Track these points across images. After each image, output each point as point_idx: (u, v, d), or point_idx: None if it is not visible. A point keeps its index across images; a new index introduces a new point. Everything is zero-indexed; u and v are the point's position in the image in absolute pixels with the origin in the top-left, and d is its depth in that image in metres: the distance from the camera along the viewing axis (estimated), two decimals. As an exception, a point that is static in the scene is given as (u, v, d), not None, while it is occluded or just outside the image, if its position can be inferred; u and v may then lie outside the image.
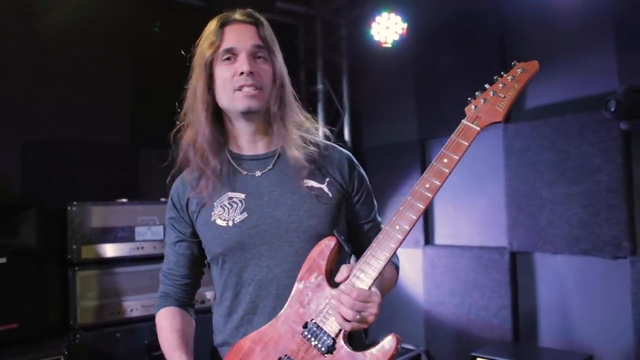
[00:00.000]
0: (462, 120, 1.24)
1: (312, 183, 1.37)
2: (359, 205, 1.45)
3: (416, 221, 1.20)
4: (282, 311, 1.28)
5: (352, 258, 1.26)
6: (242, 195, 1.37)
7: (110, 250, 3.32)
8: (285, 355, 1.22)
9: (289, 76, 1.44)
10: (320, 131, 1.51)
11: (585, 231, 3.12)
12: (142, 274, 3.41)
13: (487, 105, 1.24)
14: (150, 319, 3.41)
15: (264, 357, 1.25)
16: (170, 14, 4.08)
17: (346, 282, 1.20)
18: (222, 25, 1.36)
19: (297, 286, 1.28)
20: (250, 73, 1.31)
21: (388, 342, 1.16)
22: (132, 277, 3.37)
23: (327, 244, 1.28)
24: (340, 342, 1.19)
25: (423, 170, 4.20)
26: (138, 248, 3.40)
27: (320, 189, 1.38)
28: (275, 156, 1.41)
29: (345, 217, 1.43)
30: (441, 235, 4.05)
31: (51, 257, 3.27)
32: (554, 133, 3.32)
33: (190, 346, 1.40)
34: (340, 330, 1.19)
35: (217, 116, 1.41)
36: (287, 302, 1.28)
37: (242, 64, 1.32)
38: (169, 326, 1.42)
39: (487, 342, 3.37)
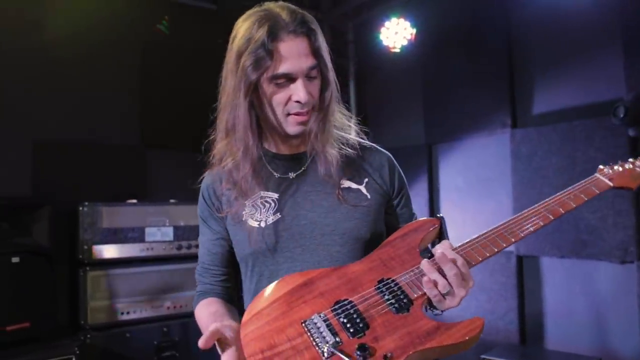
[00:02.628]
0: (595, 174, 1.40)
1: (349, 184, 1.33)
2: (400, 208, 1.41)
3: (530, 234, 1.27)
4: (355, 264, 1.22)
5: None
6: (275, 195, 1.31)
7: (120, 250, 3.34)
8: (347, 299, 1.14)
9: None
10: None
11: (593, 236, 3.15)
12: (152, 274, 3.43)
13: (623, 172, 1.41)
14: (160, 319, 3.45)
15: (323, 294, 1.15)
16: (179, 16, 4.11)
17: (448, 254, 1.15)
18: (274, 39, 1.20)
19: (383, 246, 1.25)
20: (307, 100, 1.24)
21: (471, 322, 1.10)
22: (142, 278, 3.39)
23: (429, 223, 1.26)
24: (418, 306, 1.13)
25: (430, 174, 4.27)
26: (148, 249, 3.42)
27: (358, 190, 1.33)
28: (311, 156, 1.34)
29: (385, 220, 1.38)
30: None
31: (62, 257, 3.29)
32: (561, 139, 3.36)
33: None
34: (421, 296, 1.14)
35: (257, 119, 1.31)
36: (366, 257, 1.23)
37: (299, 91, 1.23)
38: (205, 312, 1.30)
39: (494, 345, 3.40)
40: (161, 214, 3.50)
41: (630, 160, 1.44)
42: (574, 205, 1.29)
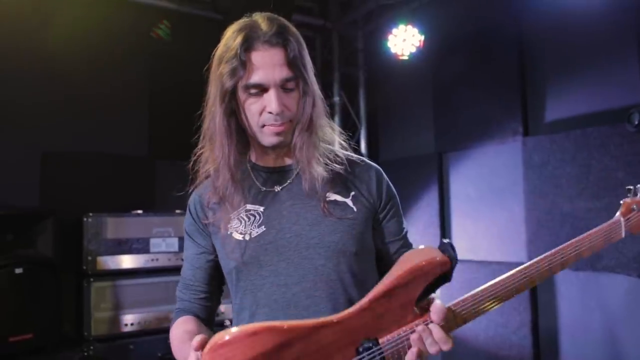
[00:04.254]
0: (617, 214, 1.31)
1: (335, 197, 1.30)
2: (387, 222, 1.37)
3: (534, 285, 1.18)
4: (343, 313, 1.08)
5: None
6: (261, 208, 1.30)
7: (125, 261, 3.33)
8: None
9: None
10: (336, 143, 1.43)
11: (609, 248, 3.02)
12: (157, 285, 3.41)
13: None
14: (164, 331, 3.41)
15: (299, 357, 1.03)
16: (187, 27, 4.12)
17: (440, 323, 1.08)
18: (247, 49, 1.20)
19: (380, 294, 1.08)
20: (280, 111, 1.22)
21: None
22: (146, 289, 3.37)
23: (439, 265, 1.08)
24: None
25: (440, 183, 4.18)
26: (153, 260, 3.41)
27: (344, 203, 1.30)
28: (297, 169, 1.33)
29: (372, 235, 1.35)
30: (459, 250, 3.89)
31: (67, 268, 3.29)
32: (574, 146, 3.24)
33: None
34: None
35: (237, 127, 1.30)
36: (357, 305, 1.09)
37: (271, 102, 1.21)
38: (181, 330, 1.27)
39: (506, 361, 3.29)
40: (166, 224, 3.49)
41: None
42: (588, 254, 1.26)
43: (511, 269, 1.14)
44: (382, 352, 1.06)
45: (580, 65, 3.25)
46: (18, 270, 2.89)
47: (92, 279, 3.20)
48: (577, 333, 3.25)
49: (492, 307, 1.12)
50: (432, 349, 1.07)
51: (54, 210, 3.14)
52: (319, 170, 1.27)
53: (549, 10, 3.33)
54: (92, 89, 3.70)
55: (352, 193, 1.32)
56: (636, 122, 2.75)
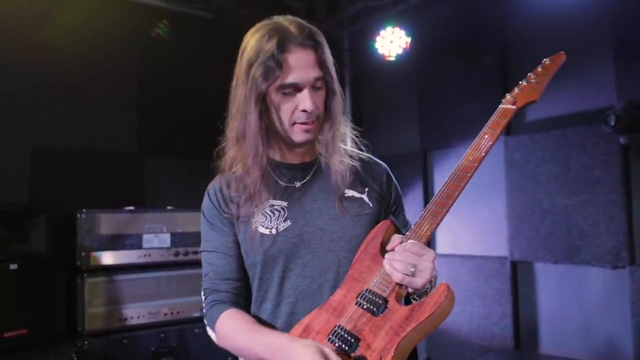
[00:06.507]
0: (500, 105, 1.36)
1: (352, 193, 1.39)
2: (396, 216, 1.47)
3: (463, 188, 1.25)
4: (335, 293, 1.27)
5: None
6: (285, 204, 1.36)
7: (118, 257, 3.36)
8: (338, 326, 1.19)
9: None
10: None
11: (585, 241, 3.19)
12: (149, 281, 3.45)
13: (521, 92, 1.37)
14: (157, 325, 3.46)
15: (319, 331, 1.21)
16: (178, 25, 4.15)
17: (394, 242, 1.24)
18: (282, 51, 1.26)
19: (352, 267, 1.30)
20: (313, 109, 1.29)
21: (437, 291, 1.14)
22: (139, 284, 3.41)
23: (383, 226, 1.34)
24: (393, 300, 1.18)
25: (425, 181, 4.31)
26: (145, 255, 3.44)
27: (361, 198, 1.39)
28: (315, 165, 1.41)
29: None
30: (442, 244, 4.11)
31: (60, 264, 3.30)
32: (554, 146, 3.40)
33: None
34: (392, 290, 1.19)
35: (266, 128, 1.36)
36: (342, 283, 1.28)
37: (305, 101, 1.28)
38: (240, 322, 1.28)
39: (489, 350, 3.43)
40: (158, 220, 3.53)
41: (528, 75, 1.43)
42: (492, 143, 1.30)
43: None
44: (370, 290, 1.21)
45: (560, 68, 3.40)
46: (13, 266, 2.90)
47: (85, 275, 3.22)
48: (555, 323, 3.41)
49: (440, 217, 1.23)
50: (401, 267, 1.17)
51: (51, 205, 3.15)
52: (341, 167, 1.36)
53: (531, 14, 3.48)
54: (82, 84, 3.70)
55: (367, 189, 1.42)
56: (612, 123, 2.90)
